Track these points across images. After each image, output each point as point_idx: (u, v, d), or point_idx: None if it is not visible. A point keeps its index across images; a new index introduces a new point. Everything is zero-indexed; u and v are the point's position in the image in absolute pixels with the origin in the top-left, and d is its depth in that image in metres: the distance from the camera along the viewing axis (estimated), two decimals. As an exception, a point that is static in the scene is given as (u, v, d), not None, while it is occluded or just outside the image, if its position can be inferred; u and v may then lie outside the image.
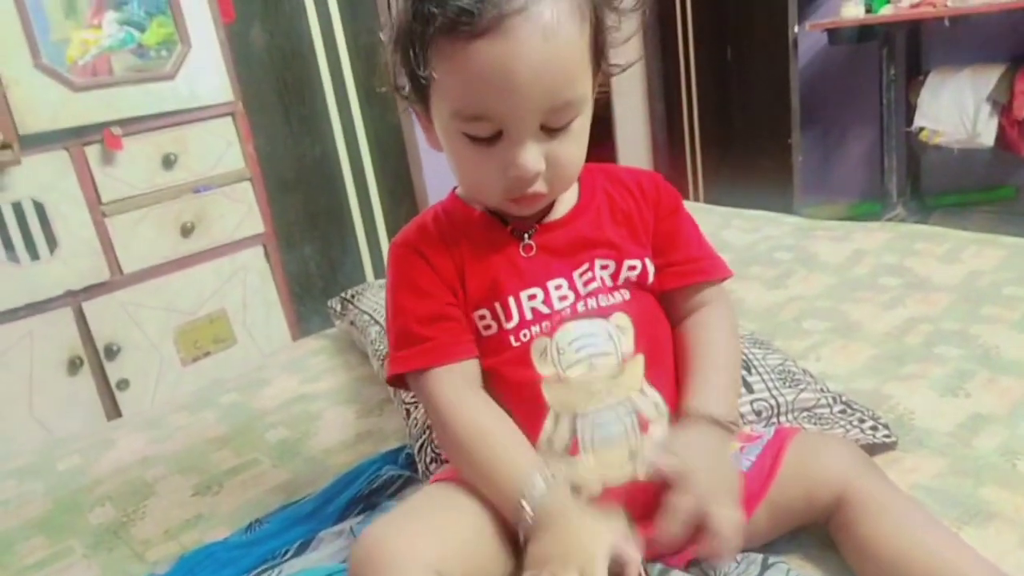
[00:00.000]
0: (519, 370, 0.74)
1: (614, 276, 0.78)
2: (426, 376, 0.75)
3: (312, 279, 2.73)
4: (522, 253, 0.77)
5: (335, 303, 1.50)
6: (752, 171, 3.02)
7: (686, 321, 0.83)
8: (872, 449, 0.89)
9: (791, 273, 1.46)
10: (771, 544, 0.76)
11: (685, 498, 0.69)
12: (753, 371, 1.00)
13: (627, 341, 0.76)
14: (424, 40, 0.66)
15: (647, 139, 3.19)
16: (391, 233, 2.76)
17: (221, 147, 2.13)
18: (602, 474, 0.73)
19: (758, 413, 0.95)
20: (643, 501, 0.73)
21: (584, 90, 0.70)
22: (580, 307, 0.76)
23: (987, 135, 2.60)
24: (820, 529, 0.75)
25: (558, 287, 0.76)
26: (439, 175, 2.51)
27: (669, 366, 0.80)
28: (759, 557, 0.74)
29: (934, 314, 1.23)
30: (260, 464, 1.10)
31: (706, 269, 0.84)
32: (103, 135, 1.90)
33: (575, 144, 0.72)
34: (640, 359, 0.76)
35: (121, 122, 1.93)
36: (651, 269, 0.80)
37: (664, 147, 3.20)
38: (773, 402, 0.96)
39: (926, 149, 2.78)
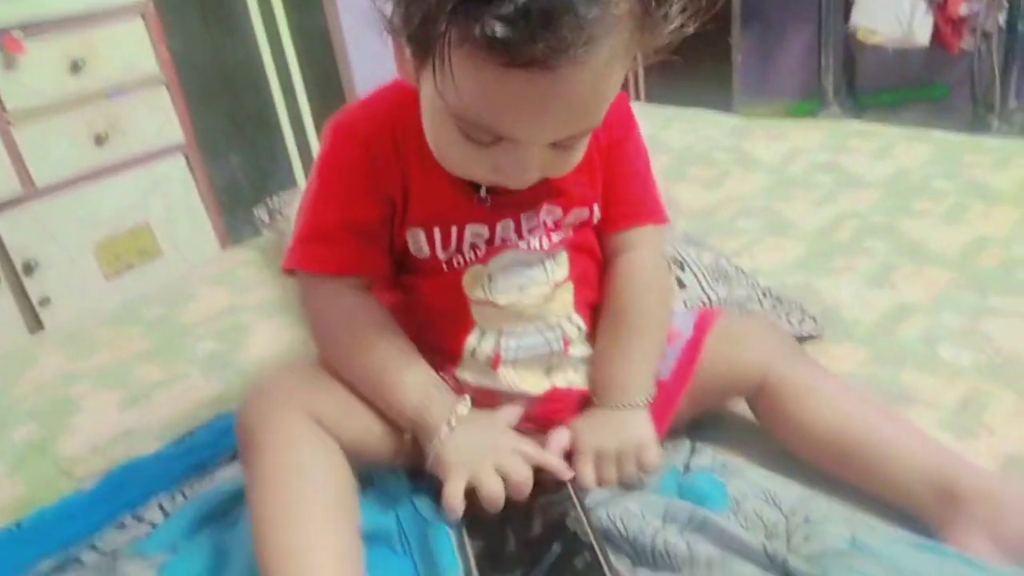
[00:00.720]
0: (449, 294, 0.72)
1: (559, 222, 0.74)
2: (328, 282, 0.72)
3: (241, 189, 2.62)
4: (476, 200, 0.70)
5: (262, 212, 1.44)
6: (693, 70, 2.98)
7: (612, 267, 0.78)
8: (800, 341, 0.91)
9: (728, 173, 1.46)
10: (697, 429, 0.78)
11: (578, 460, 0.72)
12: (686, 269, 1.00)
13: (560, 271, 0.75)
14: (450, 37, 0.53)
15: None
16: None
17: (132, 50, 1.99)
18: (520, 386, 0.74)
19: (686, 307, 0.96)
20: (555, 409, 0.75)
21: (606, 110, 0.61)
22: (522, 245, 0.72)
23: (922, 33, 2.61)
24: (744, 413, 0.77)
25: (505, 228, 0.72)
26: (371, 78, 2.41)
27: (594, 289, 0.78)
28: (686, 443, 0.76)
29: (863, 209, 1.24)
30: (189, 377, 1.07)
31: (640, 214, 0.78)
32: (2, 39, 1.75)
33: (580, 151, 0.64)
34: (570, 287, 0.75)
35: (22, 25, 1.78)
36: (598, 213, 0.76)
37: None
38: (705, 299, 0.97)
39: (863, 48, 2.77)
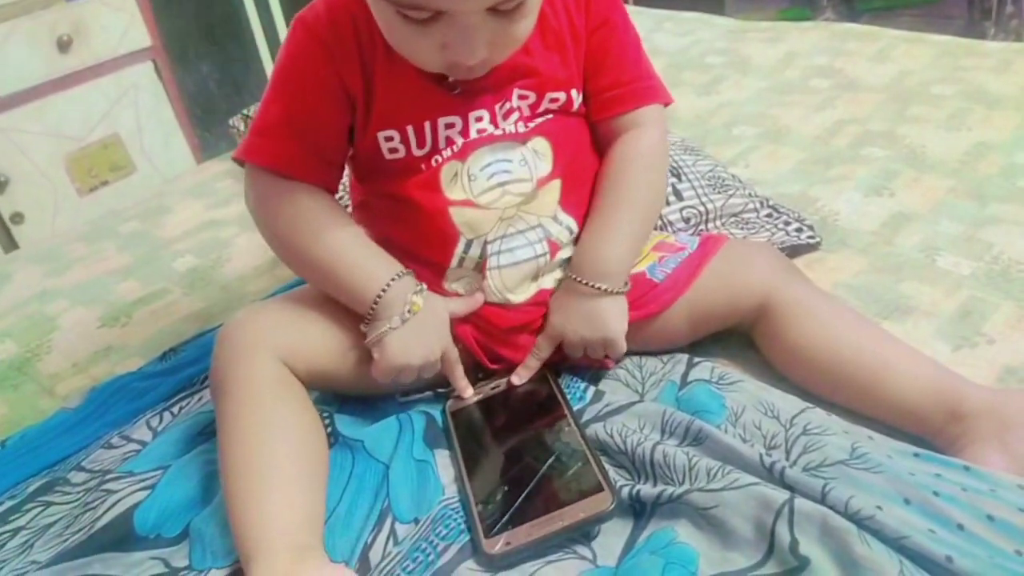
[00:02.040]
0: (427, 195, 0.69)
1: (533, 107, 0.70)
2: (280, 183, 0.68)
3: (214, 100, 2.52)
4: (445, 89, 0.67)
5: (237, 122, 1.38)
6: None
7: (611, 147, 0.75)
8: (796, 250, 0.89)
9: (723, 78, 1.41)
10: (696, 345, 0.77)
11: (542, 338, 0.73)
12: (683, 178, 0.97)
13: (543, 165, 0.71)
14: None
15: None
16: (298, 46, 2.54)
17: (91, -54, 1.87)
18: (507, 295, 0.73)
19: (687, 220, 0.94)
20: (537, 314, 0.74)
21: None
22: (493, 131, 0.69)
23: (920, -68, 2.51)
24: (744, 332, 0.75)
25: (479, 118, 0.69)
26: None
27: (587, 184, 0.75)
28: (684, 357, 0.74)
29: (862, 115, 1.21)
30: (170, 294, 1.04)
31: (637, 93, 0.74)
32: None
33: (527, 20, 0.61)
34: (556, 184, 0.72)
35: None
36: (577, 99, 0.72)
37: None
38: (702, 208, 0.94)
39: (858, -52, 2.67)
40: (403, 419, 0.70)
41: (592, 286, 0.70)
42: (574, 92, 0.72)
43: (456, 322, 0.72)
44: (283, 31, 2.59)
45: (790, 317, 0.70)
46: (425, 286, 0.69)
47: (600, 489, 0.59)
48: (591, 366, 0.76)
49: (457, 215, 0.69)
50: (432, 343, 0.68)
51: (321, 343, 0.69)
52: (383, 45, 0.65)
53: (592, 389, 0.73)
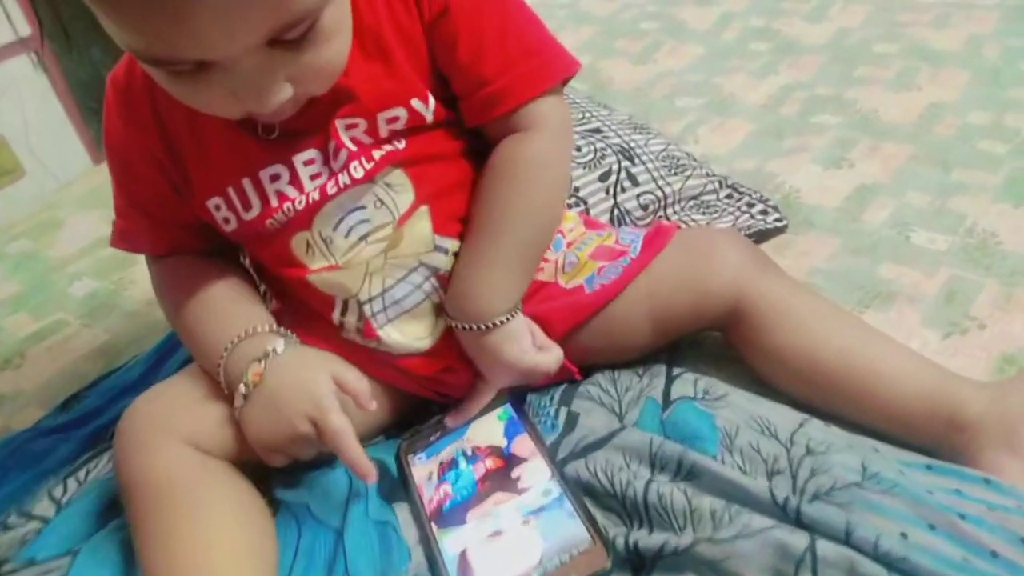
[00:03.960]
0: (288, 269, 0.61)
1: (370, 132, 0.56)
2: (149, 260, 0.66)
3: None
4: (260, 134, 0.56)
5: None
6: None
7: (489, 157, 0.60)
8: (764, 235, 0.83)
9: (659, 45, 1.34)
10: (675, 353, 0.70)
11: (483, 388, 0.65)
12: (637, 160, 0.89)
13: (404, 198, 0.59)
14: None
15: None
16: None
17: (-55, -78, 1.66)
18: (413, 344, 0.63)
19: (644, 207, 0.86)
20: (459, 351, 0.64)
21: None
22: (331, 187, 0.57)
23: None
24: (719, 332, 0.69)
25: (308, 161, 0.57)
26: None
27: (467, 199, 0.62)
28: (662, 369, 0.67)
29: (807, 80, 1.16)
30: (67, 326, 0.91)
31: (514, 87, 0.56)
32: None
33: (329, 45, 0.47)
34: (424, 211, 0.60)
35: None
36: (427, 111, 0.57)
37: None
38: (660, 193, 0.87)
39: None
40: (352, 473, 0.61)
41: (480, 326, 0.60)
42: (416, 103, 0.56)
43: (380, 371, 0.64)
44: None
45: (766, 319, 0.62)
46: (283, 342, 0.57)
47: (592, 544, 0.51)
48: (558, 379, 0.67)
49: (319, 281, 0.60)
50: (289, 419, 0.54)
51: (227, 419, 0.58)
52: (179, 102, 0.52)
53: (564, 412, 0.65)
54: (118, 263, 1.00)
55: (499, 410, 0.66)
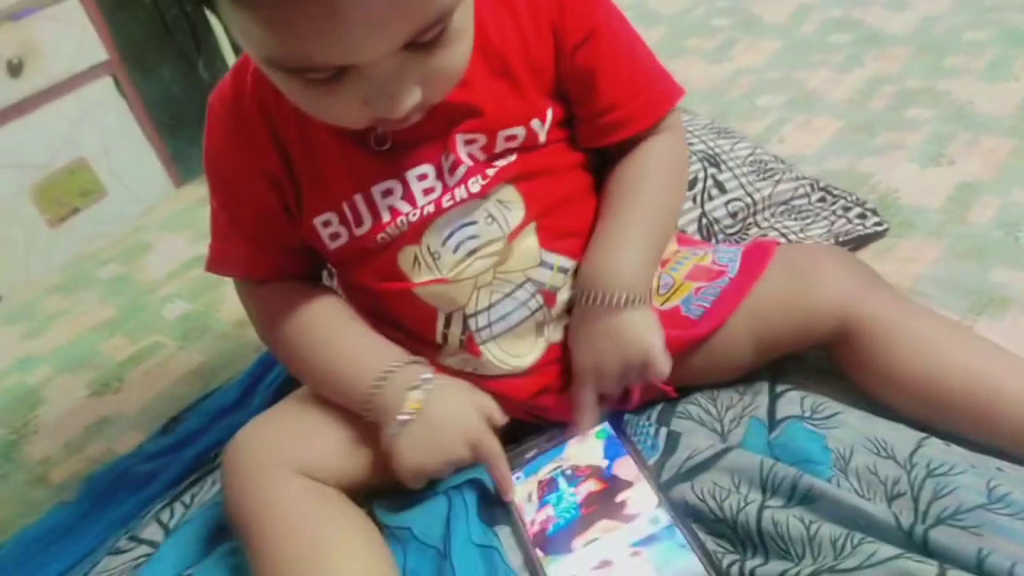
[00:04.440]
0: (389, 284, 0.60)
1: (486, 149, 0.57)
2: (250, 285, 0.63)
3: (180, 105, 2.38)
4: (373, 146, 0.56)
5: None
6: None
7: (619, 163, 0.63)
8: (862, 241, 0.80)
9: (733, 42, 1.30)
10: (777, 369, 0.67)
11: (580, 389, 0.62)
12: (723, 167, 0.87)
13: (515, 215, 0.59)
14: None
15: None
16: (263, 42, 2.38)
17: (29, -43, 1.72)
18: (511, 363, 0.62)
19: (733, 215, 0.84)
20: (558, 369, 0.64)
21: None
22: (446, 200, 0.57)
23: None
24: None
25: (422, 176, 0.57)
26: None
27: (578, 213, 0.63)
28: (764, 386, 0.65)
29: (896, 72, 1.11)
30: (163, 348, 0.93)
31: (644, 111, 0.61)
32: None
33: (456, 46, 0.47)
34: (531, 228, 0.60)
35: None
36: (542, 131, 0.58)
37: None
38: (749, 200, 0.85)
39: None
40: (452, 494, 0.61)
41: (610, 299, 0.58)
42: (536, 123, 0.58)
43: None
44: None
45: (878, 339, 0.58)
46: (432, 373, 0.58)
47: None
48: (651, 399, 0.66)
49: (426, 293, 0.59)
50: (450, 443, 0.57)
51: (340, 447, 0.59)
52: (294, 115, 0.54)
53: (664, 432, 0.64)
54: (208, 285, 1.02)
55: (597, 428, 0.65)
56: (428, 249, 0.58)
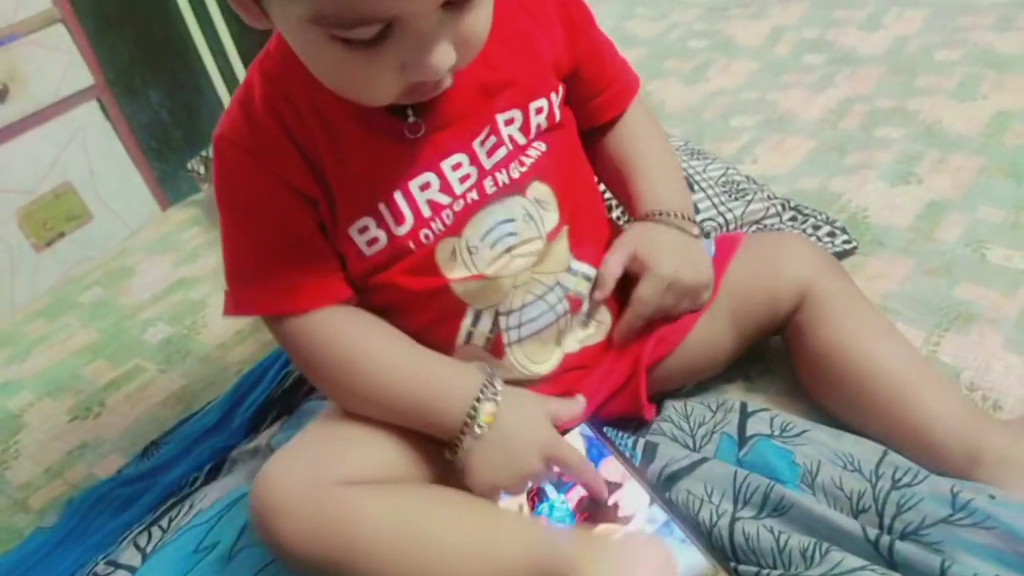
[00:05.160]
0: (422, 280, 0.59)
1: (524, 129, 0.60)
2: (289, 322, 0.57)
3: (168, 129, 2.40)
4: (407, 134, 0.56)
5: (196, 165, 1.28)
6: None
7: (607, 139, 0.69)
8: (832, 258, 0.82)
9: (709, 63, 1.32)
10: (749, 389, 0.69)
11: (650, 282, 0.63)
12: (696, 187, 0.89)
13: (550, 216, 0.61)
14: None
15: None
16: (246, 61, 2.40)
17: (16, -15, 1.74)
18: (531, 368, 0.63)
19: (707, 235, 0.85)
20: (571, 379, 0.65)
21: None
22: (488, 186, 0.58)
23: None
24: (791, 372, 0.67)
25: (456, 166, 0.58)
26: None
27: (597, 224, 0.67)
28: (736, 404, 0.66)
29: (867, 92, 1.13)
30: (144, 372, 0.94)
31: (631, 84, 0.70)
32: None
33: (485, 8, 0.50)
34: (564, 232, 0.62)
35: None
36: (556, 105, 0.62)
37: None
38: (721, 220, 0.86)
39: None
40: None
41: (685, 219, 0.65)
42: (554, 96, 0.62)
43: None
44: (230, 46, 2.45)
45: (827, 311, 0.63)
46: (500, 386, 0.58)
47: (714, 570, 0.51)
48: (669, 321, 0.66)
49: (461, 289, 0.59)
50: (524, 458, 0.56)
51: (392, 459, 0.57)
52: (318, 123, 0.55)
53: (642, 442, 0.64)
54: (190, 308, 1.03)
55: (575, 430, 0.64)
56: (467, 243, 0.59)
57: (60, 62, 1.82)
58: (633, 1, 1.66)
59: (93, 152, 1.92)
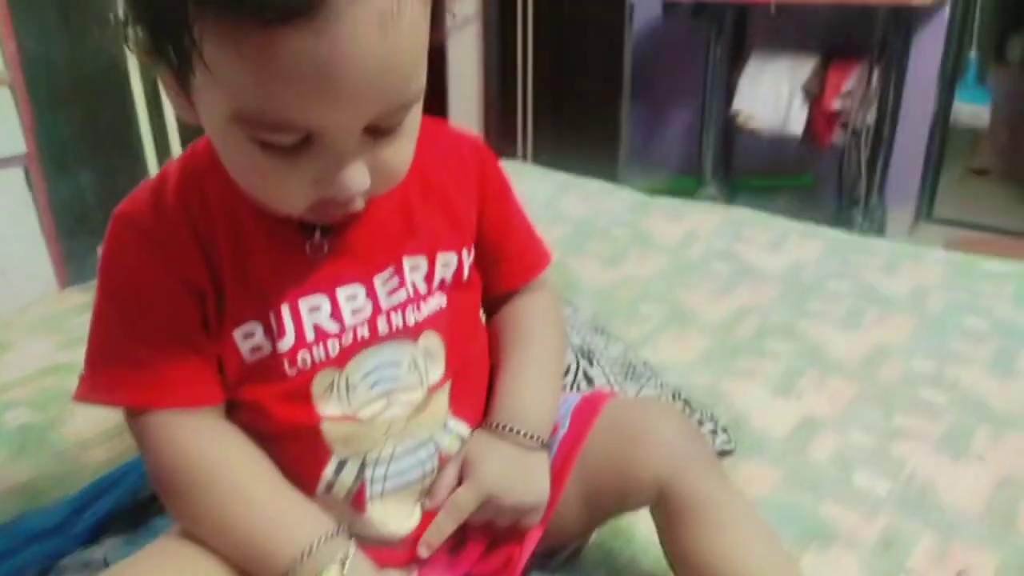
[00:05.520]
0: (293, 408, 0.57)
1: (428, 278, 0.61)
2: (150, 417, 0.55)
3: (89, 211, 2.34)
4: (307, 252, 0.56)
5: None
6: (581, 134, 2.99)
7: (509, 306, 0.71)
8: (712, 456, 0.84)
9: (627, 252, 1.41)
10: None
11: (466, 492, 0.61)
12: (595, 363, 0.92)
13: (435, 369, 0.61)
14: (191, 14, 0.42)
15: (480, 94, 3.06)
16: (189, 166, 2.40)
17: (-31, 44, 1.74)
18: (388, 527, 0.61)
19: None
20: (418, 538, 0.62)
21: (423, 79, 0.49)
22: (382, 325, 0.59)
23: (797, 124, 2.72)
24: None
25: (352, 297, 0.58)
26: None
27: (482, 384, 0.67)
28: None
29: (763, 305, 1.22)
30: (-9, 457, 0.87)
31: (536, 262, 0.72)
32: None
33: (407, 142, 0.52)
34: (446, 388, 0.62)
35: None
36: (467, 263, 0.64)
37: (497, 102, 3.08)
38: (614, 400, 0.89)
39: (741, 131, 2.87)
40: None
41: (525, 434, 0.63)
42: (465, 254, 0.63)
43: None
44: (176, 143, 2.46)
45: (687, 517, 0.60)
46: (353, 546, 0.55)
47: None
48: (506, 542, 0.64)
49: (332, 430, 0.58)
50: None
51: None
52: (226, 222, 0.55)
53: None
54: (58, 397, 0.96)
55: None
56: (347, 379, 0.57)
57: (-5, 126, 1.80)
58: (567, 183, 1.78)
59: (5, 218, 1.86)
